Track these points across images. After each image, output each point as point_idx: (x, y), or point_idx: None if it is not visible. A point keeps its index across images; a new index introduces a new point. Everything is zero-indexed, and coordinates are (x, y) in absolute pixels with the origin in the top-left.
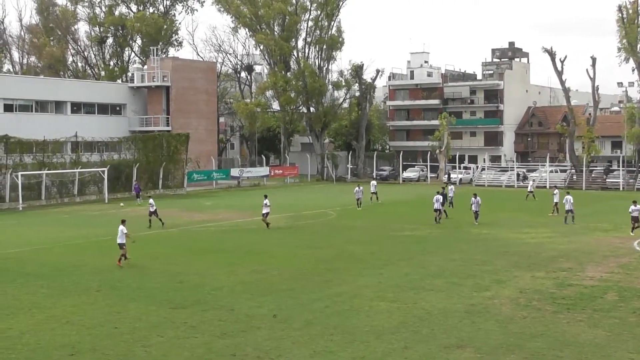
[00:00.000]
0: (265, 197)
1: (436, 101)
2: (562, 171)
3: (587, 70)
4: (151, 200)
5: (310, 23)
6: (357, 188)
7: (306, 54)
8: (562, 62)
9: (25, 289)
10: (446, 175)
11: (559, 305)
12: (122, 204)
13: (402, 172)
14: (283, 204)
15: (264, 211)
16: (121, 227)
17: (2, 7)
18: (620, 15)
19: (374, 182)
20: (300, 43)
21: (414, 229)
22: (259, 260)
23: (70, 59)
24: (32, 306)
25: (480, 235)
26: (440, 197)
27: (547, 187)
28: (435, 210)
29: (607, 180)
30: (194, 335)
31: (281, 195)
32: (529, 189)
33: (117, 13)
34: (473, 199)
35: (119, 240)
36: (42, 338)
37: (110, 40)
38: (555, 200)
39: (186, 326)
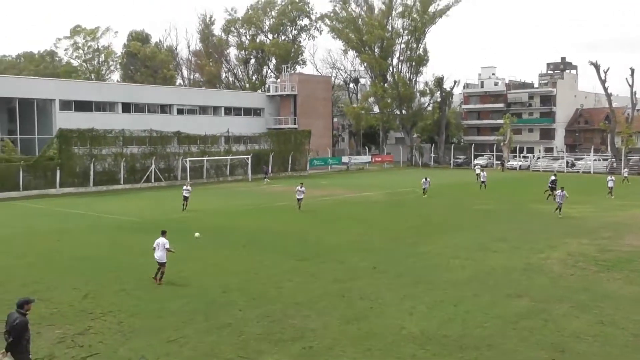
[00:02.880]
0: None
1: (501, 105)
2: (604, 160)
3: (626, 79)
4: (188, 187)
5: (402, 45)
6: (298, 187)
7: (399, 69)
8: (605, 72)
9: (192, 243)
10: (478, 166)
11: (600, 266)
12: (266, 181)
13: (473, 160)
14: (382, 183)
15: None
16: (162, 239)
17: (176, 38)
18: None
19: (478, 167)
20: (395, 61)
21: (482, 204)
22: (363, 226)
23: (224, 75)
24: (197, 256)
25: (537, 210)
26: (554, 177)
27: (592, 172)
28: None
29: None
30: (314, 281)
31: (380, 177)
32: (624, 174)
33: (258, 40)
34: (560, 192)
35: (160, 258)
36: (203, 279)
37: (252, 61)
38: (610, 185)
39: (308, 274)
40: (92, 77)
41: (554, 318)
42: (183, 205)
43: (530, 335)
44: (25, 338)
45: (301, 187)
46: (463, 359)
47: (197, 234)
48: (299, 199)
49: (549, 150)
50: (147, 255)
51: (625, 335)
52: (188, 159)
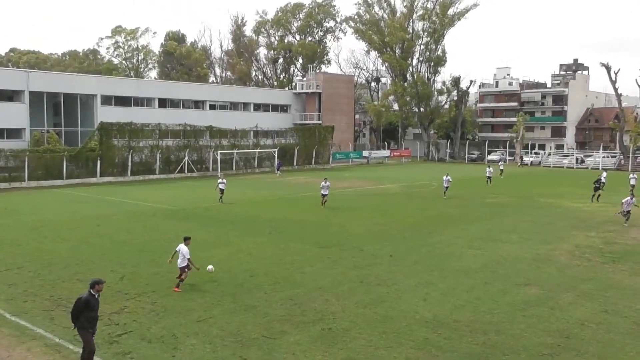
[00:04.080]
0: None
1: (515, 103)
2: (612, 157)
3: (636, 80)
4: (224, 180)
5: (422, 47)
6: (322, 182)
7: (419, 69)
8: (615, 74)
9: (221, 230)
10: (501, 162)
11: (606, 258)
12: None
13: (487, 155)
14: (399, 177)
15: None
16: (182, 246)
17: (210, 38)
18: None
19: (501, 162)
20: (415, 61)
21: (495, 197)
22: (382, 216)
23: (254, 73)
24: (226, 242)
25: (546, 204)
26: (604, 174)
27: (600, 169)
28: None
29: None
30: (334, 267)
31: (398, 171)
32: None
33: (286, 41)
34: (629, 199)
35: (181, 263)
36: (231, 264)
37: (280, 60)
38: (632, 183)
39: (329, 260)
40: (132, 74)
41: (560, 306)
42: (220, 197)
43: (537, 322)
44: (85, 316)
45: (326, 182)
46: (472, 342)
47: (210, 267)
48: (323, 195)
49: (559, 147)
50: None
51: (627, 324)
52: (219, 152)
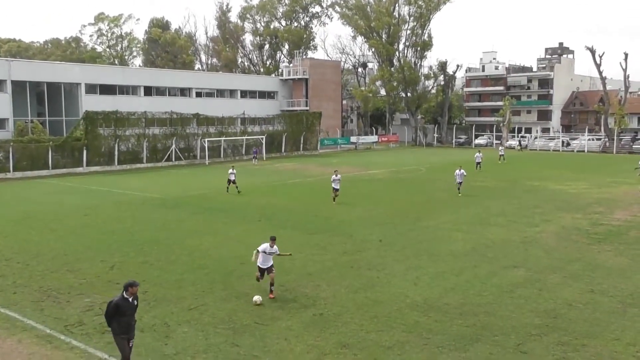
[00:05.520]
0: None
1: (501, 88)
2: (597, 139)
3: (620, 63)
4: (233, 170)
5: (408, 31)
6: (333, 176)
7: (405, 54)
8: (600, 57)
9: (210, 218)
10: (501, 148)
11: (592, 239)
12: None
13: (474, 139)
14: (387, 162)
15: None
16: (267, 245)
17: (194, 24)
18: None
19: (502, 147)
20: (401, 46)
21: (483, 181)
22: (371, 202)
23: (240, 60)
24: (215, 230)
25: (533, 187)
26: None
27: (586, 151)
28: None
29: (633, 146)
30: (324, 253)
31: (386, 156)
32: None
33: (272, 27)
34: None
35: (265, 264)
36: (222, 252)
37: (267, 46)
38: None
39: (319, 247)
40: (116, 62)
41: (547, 287)
42: (235, 187)
43: (525, 303)
44: (117, 320)
45: (337, 175)
46: (463, 325)
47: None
48: (335, 189)
49: (545, 130)
50: (169, 229)
51: (613, 303)
52: (206, 139)
